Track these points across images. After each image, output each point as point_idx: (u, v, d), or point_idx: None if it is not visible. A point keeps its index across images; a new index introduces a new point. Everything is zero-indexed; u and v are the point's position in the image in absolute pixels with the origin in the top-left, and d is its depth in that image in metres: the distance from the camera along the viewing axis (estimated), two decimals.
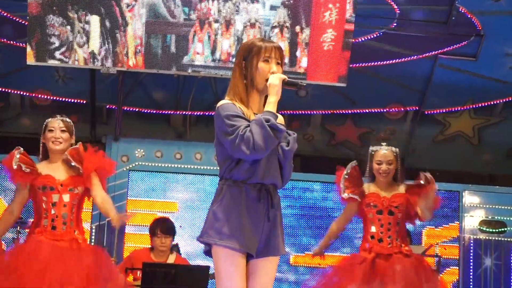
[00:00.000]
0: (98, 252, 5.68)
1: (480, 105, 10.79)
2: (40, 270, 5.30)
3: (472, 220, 9.74)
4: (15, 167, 5.52)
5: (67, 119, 5.78)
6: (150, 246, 7.71)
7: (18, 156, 5.57)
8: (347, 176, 6.11)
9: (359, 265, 5.98)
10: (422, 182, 6.00)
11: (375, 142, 6.30)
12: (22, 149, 5.65)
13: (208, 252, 3.84)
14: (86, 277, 5.38)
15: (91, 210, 9.15)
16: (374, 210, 6.08)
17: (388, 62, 10.35)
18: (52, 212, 5.53)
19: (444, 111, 10.83)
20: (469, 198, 9.77)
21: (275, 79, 3.78)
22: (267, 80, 3.82)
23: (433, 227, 9.66)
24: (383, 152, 6.14)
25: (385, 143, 6.26)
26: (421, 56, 10.32)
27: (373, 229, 6.08)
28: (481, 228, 9.71)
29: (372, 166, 6.19)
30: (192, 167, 9.24)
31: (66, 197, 5.56)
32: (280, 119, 3.88)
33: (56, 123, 5.68)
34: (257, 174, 3.77)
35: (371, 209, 6.09)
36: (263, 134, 3.65)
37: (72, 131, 5.75)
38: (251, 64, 3.84)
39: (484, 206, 9.82)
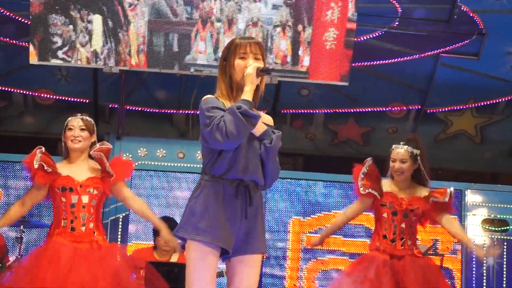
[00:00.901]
0: (115, 250, 5.70)
1: (482, 104, 10.79)
2: (63, 273, 5.26)
3: (475, 218, 9.73)
4: (36, 166, 5.47)
5: (88, 118, 5.78)
6: (153, 245, 7.72)
7: (39, 155, 5.53)
8: (365, 173, 6.08)
9: (371, 266, 5.95)
10: (446, 199, 6.01)
11: (397, 142, 6.25)
12: (43, 148, 5.58)
13: (184, 247, 3.86)
14: (111, 278, 5.36)
15: None
16: (389, 211, 6.03)
17: (390, 61, 10.35)
18: (71, 213, 5.49)
19: (446, 109, 10.83)
20: (472, 196, 9.77)
21: (249, 68, 3.83)
22: None
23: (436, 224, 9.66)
24: (398, 150, 6.10)
25: (403, 142, 6.19)
26: (423, 55, 10.33)
27: (387, 229, 6.05)
28: (484, 226, 9.71)
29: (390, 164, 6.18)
30: (195, 166, 9.24)
31: (85, 199, 5.52)
32: (269, 120, 3.99)
33: (76, 122, 5.67)
34: (235, 170, 3.80)
35: (386, 209, 6.05)
36: (235, 121, 3.68)
37: (92, 130, 5.75)
38: (230, 63, 3.90)
39: (487, 204, 9.81)
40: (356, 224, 9.21)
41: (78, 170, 5.60)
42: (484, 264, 9.57)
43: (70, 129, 5.65)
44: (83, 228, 5.50)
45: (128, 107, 10.18)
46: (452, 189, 6.11)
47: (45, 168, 5.46)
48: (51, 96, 10.48)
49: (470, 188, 9.79)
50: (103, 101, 10.55)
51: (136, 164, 9.29)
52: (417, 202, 6.03)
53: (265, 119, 3.97)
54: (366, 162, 6.13)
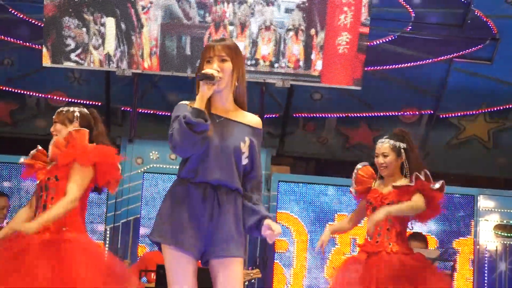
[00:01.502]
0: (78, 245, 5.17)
1: (495, 109, 10.75)
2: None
3: (487, 224, 9.70)
4: (22, 160, 5.43)
5: (65, 108, 5.45)
6: None
7: (32, 152, 5.53)
8: (355, 179, 6.01)
9: (352, 267, 5.85)
10: (412, 183, 5.73)
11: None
12: (39, 146, 5.55)
13: (160, 249, 3.87)
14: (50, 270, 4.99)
15: (105, 212, 9.19)
16: (370, 207, 5.87)
17: (403, 65, 10.33)
18: (37, 203, 5.26)
19: (459, 114, 10.80)
20: (484, 202, 9.73)
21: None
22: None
23: (448, 230, 9.63)
24: (379, 145, 5.97)
25: (386, 136, 6.05)
26: (436, 60, 10.30)
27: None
28: (496, 232, 9.68)
29: None
30: None
31: (43, 188, 5.23)
32: (253, 122, 3.90)
33: (55, 116, 5.46)
34: (201, 173, 3.78)
35: (368, 205, 5.93)
36: (179, 130, 3.68)
37: (66, 119, 5.38)
38: (200, 68, 3.88)
39: (499, 210, 9.77)
40: None
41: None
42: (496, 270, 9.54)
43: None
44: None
45: (140, 110, 10.19)
46: (424, 172, 5.76)
47: (27, 163, 5.39)
48: (64, 99, 10.50)
49: (482, 194, 9.75)
50: (116, 104, 10.57)
51: (148, 167, 9.31)
52: (390, 195, 5.80)
53: (248, 120, 3.91)
54: (357, 165, 6.04)
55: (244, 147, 3.84)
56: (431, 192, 5.75)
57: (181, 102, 3.87)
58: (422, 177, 5.73)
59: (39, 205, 5.25)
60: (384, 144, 5.94)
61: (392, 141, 5.92)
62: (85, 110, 5.49)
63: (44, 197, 5.23)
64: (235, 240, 3.81)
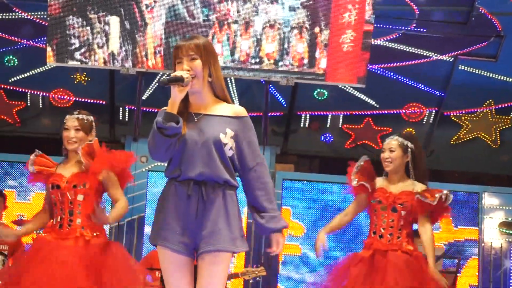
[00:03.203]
0: (112, 248, 5.46)
1: (499, 106, 10.74)
2: (40, 270, 5.19)
3: (492, 221, 9.70)
4: (31, 170, 5.56)
5: (84, 116, 5.61)
6: None
7: (33, 158, 5.59)
8: (359, 167, 6.00)
9: (355, 266, 5.86)
10: (434, 202, 5.79)
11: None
12: (38, 151, 5.62)
13: None
14: (93, 275, 5.24)
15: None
16: (379, 206, 5.90)
17: (407, 63, 10.32)
18: (60, 210, 5.42)
19: (463, 112, 10.79)
20: (489, 199, 9.73)
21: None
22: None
23: (453, 226, 9.64)
24: (388, 141, 6.02)
25: (396, 134, 6.08)
26: (440, 57, 10.29)
27: (377, 225, 5.94)
28: (501, 229, 9.67)
29: None
30: None
31: (70, 194, 5.42)
32: (237, 111, 3.91)
33: (71, 122, 5.56)
34: (184, 171, 3.82)
35: (376, 204, 5.94)
36: (152, 134, 3.76)
37: (89, 129, 5.58)
38: (174, 69, 3.90)
39: (504, 207, 9.78)
40: None
41: (70, 168, 5.52)
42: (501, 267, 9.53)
43: (66, 129, 5.55)
44: (71, 224, 5.38)
45: (144, 109, 10.19)
46: (446, 192, 5.88)
47: (34, 170, 5.52)
48: (68, 98, 10.52)
49: (487, 191, 9.76)
50: (120, 103, 10.58)
51: (153, 165, 9.32)
52: (406, 196, 5.86)
53: (231, 111, 3.90)
54: (360, 159, 6.05)
55: (226, 138, 3.84)
56: (444, 212, 5.96)
57: (163, 108, 3.86)
58: (443, 198, 5.83)
59: (64, 210, 5.41)
60: (393, 141, 5.99)
61: (400, 138, 5.97)
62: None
63: (67, 203, 5.41)
64: (222, 233, 3.81)
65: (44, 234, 5.49)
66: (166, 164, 3.94)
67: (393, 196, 5.88)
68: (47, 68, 9.94)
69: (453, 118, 10.78)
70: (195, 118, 3.86)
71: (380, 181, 6.00)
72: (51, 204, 5.51)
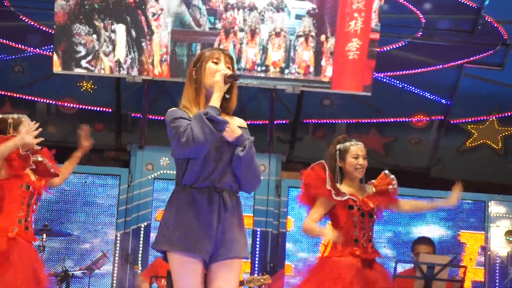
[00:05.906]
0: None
1: (506, 115, 10.73)
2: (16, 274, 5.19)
3: (498, 230, 9.67)
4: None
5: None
6: None
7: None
8: (329, 177, 5.78)
9: (347, 269, 5.65)
10: (390, 188, 5.70)
11: (342, 141, 5.94)
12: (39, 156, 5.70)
13: (165, 258, 3.88)
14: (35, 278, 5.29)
15: (116, 218, 9.20)
16: (358, 213, 5.63)
17: (413, 71, 10.32)
18: (26, 212, 5.48)
19: (469, 120, 10.78)
20: (495, 208, 9.71)
21: (217, 75, 3.82)
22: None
23: (459, 233, 9.62)
24: (359, 146, 5.83)
25: (355, 139, 5.93)
26: (446, 65, 10.29)
27: (357, 232, 5.69)
28: (507, 238, 9.65)
29: (345, 162, 5.73)
30: None
31: (36, 199, 5.58)
32: (241, 122, 3.94)
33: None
34: (204, 178, 3.80)
35: (355, 211, 5.71)
36: (201, 127, 3.68)
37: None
38: (200, 69, 3.89)
39: (510, 216, 9.75)
40: None
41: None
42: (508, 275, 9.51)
43: None
44: (32, 227, 5.46)
45: (150, 117, 10.20)
46: (387, 172, 5.82)
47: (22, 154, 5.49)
48: (75, 105, 10.53)
49: (493, 200, 9.73)
50: (126, 111, 10.60)
51: (158, 173, 9.32)
52: (374, 200, 5.69)
53: (238, 122, 3.94)
54: (322, 167, 5.81)
55: (239, 150, 3.85)
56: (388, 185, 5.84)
57: (173, 109, 3.88)
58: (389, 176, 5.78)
59: (30, 209, 5.43)
60: (363, 147, 5.85)
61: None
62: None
63: (34, 202, 5.48)
64: (241, 241, 3.85)
65: None
66: (175, 172, 3.91)
67: (365, 202, 5.67)
68: (53, 76, 9.95)
69: (459, 126, 10.77)
70: None
71: (344, 188, 5.74)
72: (15, 201, 5.45)
